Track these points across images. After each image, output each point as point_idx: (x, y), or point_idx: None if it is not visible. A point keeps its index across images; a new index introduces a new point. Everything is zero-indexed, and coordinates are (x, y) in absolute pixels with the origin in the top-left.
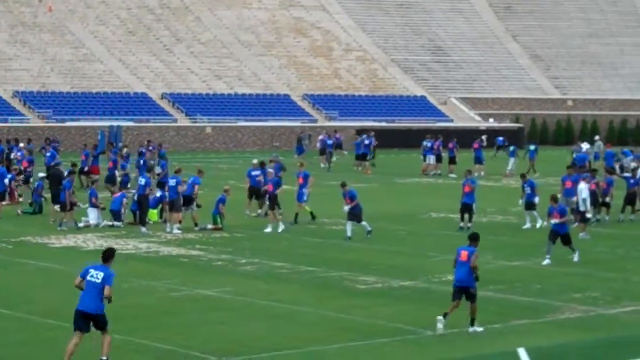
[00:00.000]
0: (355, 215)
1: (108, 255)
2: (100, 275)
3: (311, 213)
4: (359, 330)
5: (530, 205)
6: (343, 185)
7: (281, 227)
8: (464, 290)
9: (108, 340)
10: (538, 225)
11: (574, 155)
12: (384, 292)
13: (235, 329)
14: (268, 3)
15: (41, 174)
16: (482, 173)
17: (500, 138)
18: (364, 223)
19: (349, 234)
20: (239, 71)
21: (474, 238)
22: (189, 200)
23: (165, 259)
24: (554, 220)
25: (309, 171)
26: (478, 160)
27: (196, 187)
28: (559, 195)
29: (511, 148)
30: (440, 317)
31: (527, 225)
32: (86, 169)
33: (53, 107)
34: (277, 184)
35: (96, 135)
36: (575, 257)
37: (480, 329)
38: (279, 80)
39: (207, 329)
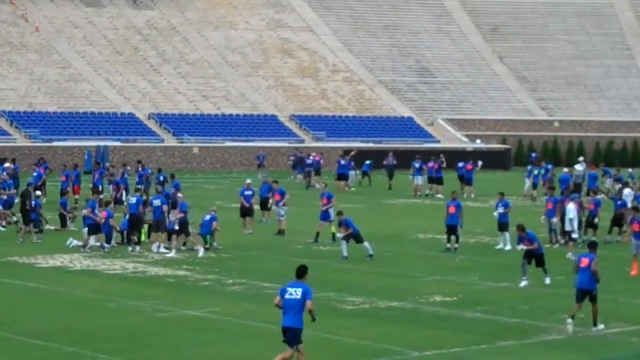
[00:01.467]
0: (354, 237)
1: (302, 271)
2: (299, 291)
3: (333, 234)
4: (346, 351)
5: (502, 226)
6: (340, 213)
7: (174, 253)
8: (587, 293)
9: (301, 356)
10: (507, 248)
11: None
12: (371, 312)
13: (222, 349)
14: (255, 24)
15: (38, 192)
16: (473, 195)
17: (534, 154)
18: (366, 244)
19: (345, 253)
20: (226, 91)
21: (593, 245)
22: (176, 233)
23: (152, 279)
24: (525, 247)
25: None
26: (469, 181)
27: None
28: (544, 217)
29: (528, 168)
30: (569, 320)
31: (500, 245)
32: (68, 189)
33: (40, 127)
34: (187, 210)
35: (83, 156)
36: (547, 280)
37: (601, 326)
38: (266, 100)
39: (193, 349)
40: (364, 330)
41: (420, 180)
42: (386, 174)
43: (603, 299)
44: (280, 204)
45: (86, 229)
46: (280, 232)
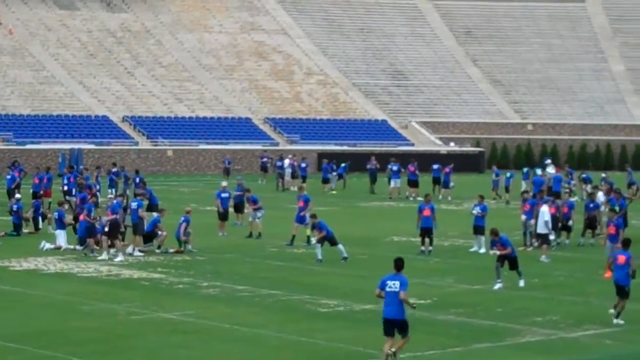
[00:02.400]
0: (328, 239)
1: (400, 264)
2: (397, 283)
3: (307, 237)
4: (320, 353)
5: (478, 230)
6: (313, 216)
7: (105, 255)
8: (621, 288)
9: (403, 342)
10: (482, 251)
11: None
12: (345, 315)
13: (196, 352)
14: (229, 27)
15: (18, 195)
16: (450, 197)
17: (546, 158)
18: (340, 247)
19: (319, 256)
20: (200, 94)
21: (627, 243)
22: (149, 236)
23: (126, 282)
24: (498, 252)
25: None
26: (445, 184)
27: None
28: (525, 217)
29: (525, 170)
30: (612, 311)
31: (474, 248)
32: (41, 192)
33: (14, 129)
34: (118, 211)
35: (57, 159)
36: (521, 283)
37: (622, 322)
38: (241, 103)
39: (168, 352)
40: (339, 332)
41: (397, 183)
42: (369, 178)
43: (576, 302)
44: (255, 209)
45: (57, 231)
46: (252, 235)
